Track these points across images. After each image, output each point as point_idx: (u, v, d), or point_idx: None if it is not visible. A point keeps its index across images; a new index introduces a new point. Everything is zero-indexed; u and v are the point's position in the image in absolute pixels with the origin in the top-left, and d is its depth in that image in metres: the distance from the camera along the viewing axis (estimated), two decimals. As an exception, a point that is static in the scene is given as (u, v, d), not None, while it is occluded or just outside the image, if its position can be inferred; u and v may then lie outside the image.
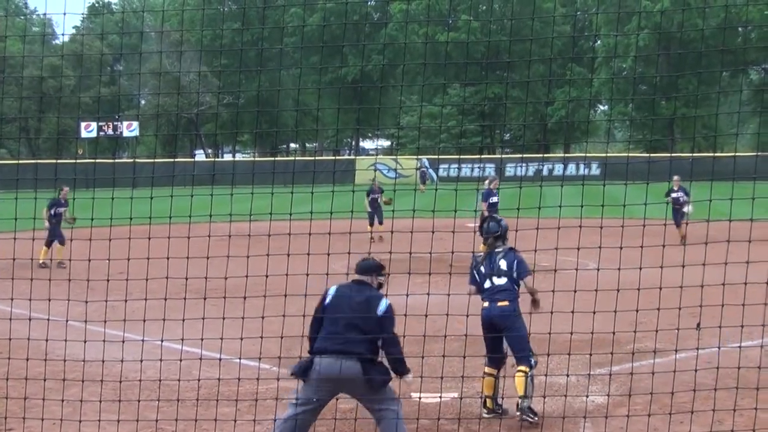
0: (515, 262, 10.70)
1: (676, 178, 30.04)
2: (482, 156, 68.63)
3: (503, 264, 10.69)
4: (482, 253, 10.92)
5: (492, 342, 10.58)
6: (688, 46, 67.36)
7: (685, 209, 28.28)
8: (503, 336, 10.50)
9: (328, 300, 8.73)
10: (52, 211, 25.01)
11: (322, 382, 8.44)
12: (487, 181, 27.95)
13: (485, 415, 10.55)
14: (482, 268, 10.76)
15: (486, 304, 10.58)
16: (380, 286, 8.96)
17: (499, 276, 10.64)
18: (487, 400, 10.63)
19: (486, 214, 24.11)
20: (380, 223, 31.33)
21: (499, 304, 10.50)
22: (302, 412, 8.53)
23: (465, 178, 58.05)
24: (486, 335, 10.57)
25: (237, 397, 10.60)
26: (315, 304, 8.78)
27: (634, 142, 69.72)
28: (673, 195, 29.60)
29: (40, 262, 23.60)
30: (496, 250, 10.83)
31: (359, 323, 8.50)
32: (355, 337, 8.45)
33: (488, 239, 10.93)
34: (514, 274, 10.65)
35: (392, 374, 8.64)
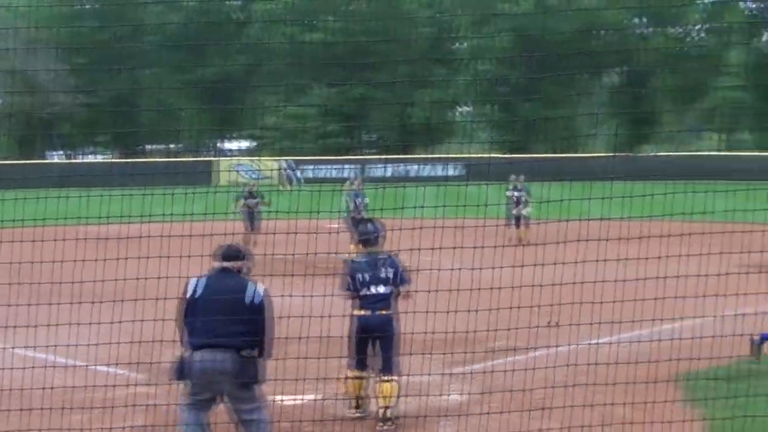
0: (398, 270, 10.52)
1: (513, 177, 29.06)
2: (345, 157, 68.60)
3: (388, 272, 10.46)
4: (360, 258, 10.68)
5: (365, 347, 10.41)
6: (547, 49, 68.61)
7: (524, 211, 27.98)
8: (377, 341, 10.39)
9: (195, 293, 8.42)
10: None
11: (203, 378, 8.24)
12: (349, 182, 27.77)
13: (357, 414, 10.47)
14: (364, 276, 10.41)
15: (364, 312, 10.34)
16: (248, 271, 8.71)
17: (383, 284, 10.41)
18: (358, 400, 10.54)
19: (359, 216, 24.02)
20: (253, 229, 28.83)
21: (380, 312, 10.32)
22: (200, 412, 8.32)
23: (329, 179, 57.97)
24: (359, 340, 10.36)
25: (90, 404, 10.30)
26: (178, 300, 8.53)
27: (496, 143, 70.78)
28: (508, 193, 28.67)
29: None
30: (380, 256, 10.59)
31: (233, 313, 8.25)
32: (231, 329, 8.22)
33: (366, 242, 10.73)
34: (397, 282, 10.49)
35: (266, 375, 8.50)
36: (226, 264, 8.59)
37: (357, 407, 10.57)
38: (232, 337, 8.23)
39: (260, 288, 8.49)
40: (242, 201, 28.88)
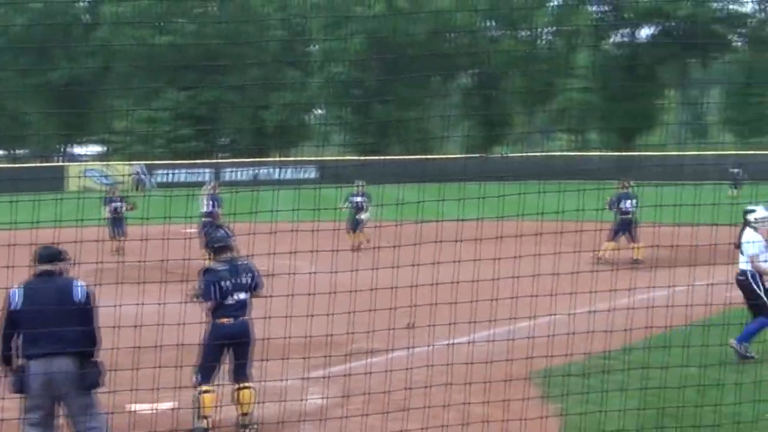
0: (255, 274, 10.42)
1: (358, 182, 28.78)
2: (199, 161, 67.77)
3: (248, 278, 10.34)
4: (220, 266, 10.39)
5: (220, 356, 10.26)
6: (400, 51, 69.24)
7: (363, 216, 27.59)
8: (231, 348, 10.23)
9: (21, 301, 8.16)
10: None
11: (41, 389, 7.98)
12: (205, 186, 27.27)
13: (207, 426, 10.26)
14: (227, 283, 10.23)
15: (226, 320, 10.17)
16: (67, 271, 8.50)
17: (243, 291, 10.29)
18: (209, 419, 10.28)
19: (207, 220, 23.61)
20: (121, 234, 27.35)
21: (242, 319, 10.23)
22: (44, 427, 8.06)
23: (182, 184, 57.15)
24: (216, 349, 10.19)
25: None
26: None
27: (350, 145, 70.99)
28: (353, 199, 28.23)
29: None
30: (239, 262, 10.44)
31: (61, 316, 8.06)
32: (66, 332, 8.02)
33: (223, 249, 10.48)
34: (253, 287, 10.39)
35: (103, 379, 8.28)
36: (47, 267, 8.37)
37: (210, 428, 10.31)
38: (69, 341, 8.02)
39: (82, 285, 8.33)
40: (110, 206, 27.94)
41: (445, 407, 9.67)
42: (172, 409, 10.52)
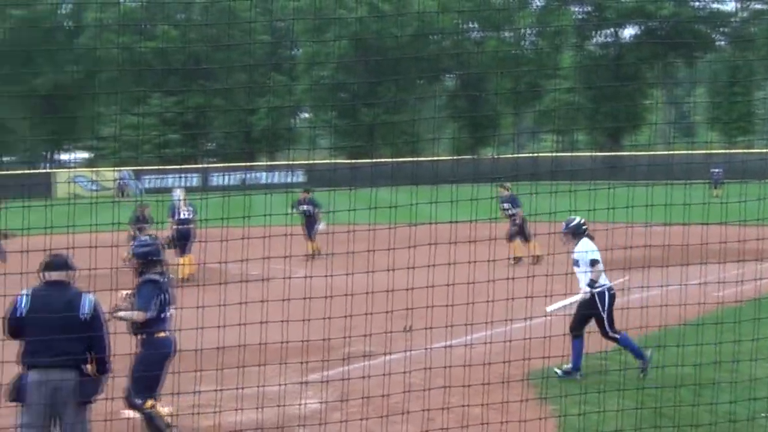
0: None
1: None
2: (185, 166, 67.71)
3: (172, 293, 10.12)
4: (160, 278, 9.98)
5: (164, 374, 9.93)
6: (384, 54, 69.31)
7: (319, 226, 25.60)
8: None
9: (26, 309, 8.10)
10: None
11: (40, 399, 7.94)
12: (179, 192, 26.24)
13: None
14: (166, 296, 9.91)
15: (165, 335, 9.87)
16: (74, 281, 8.40)
17: (172, 305, 10.04)
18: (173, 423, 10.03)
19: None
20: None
21: (173, 333, 9.98)
22: (40, 423, 8.00)
23: (170, 189, 57.08)
24: (160, 366, 9.82)
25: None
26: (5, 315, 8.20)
27: (337, 149, 71.01)
28: (300, 207, 26.38)
29: None
30: (170, 277, 10.20)
31: (68, 327, 8.00)
32: (66, 345, 7.98)
33: (156, 263, 10.03)
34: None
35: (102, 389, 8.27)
36: (55, 275, 8.31)
37: (170, 424, 10.05)
38: (70, 353, 7.98)
39: (91, 299, 8.25)
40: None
41: (443, 410, 9.67)
42: (172, 415, 10.50)
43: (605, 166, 56.64)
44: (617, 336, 12.55)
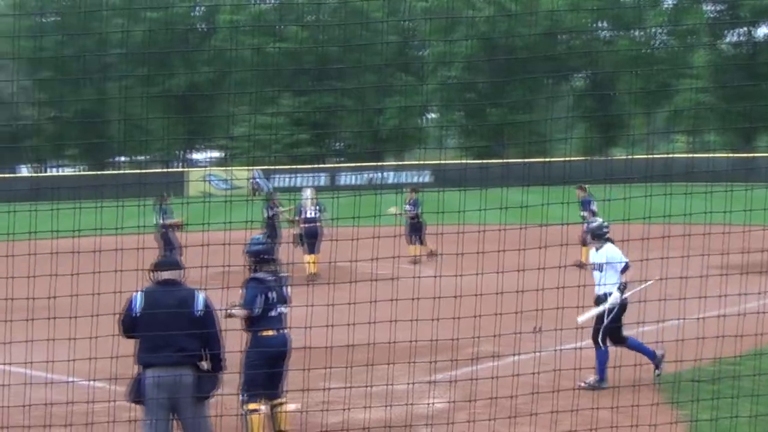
0: (289, 287, 10.25)
1: (408, 190, 27.30)
2: (316, 166, 68.54)
3: (286, 290, 10.18)
4: (267, 276, 10.07)
5: (273, 374, 9.89)
6: (512, 54, 68.90)
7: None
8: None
9: (141, 307, 8.26)
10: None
11: (159, 398, 8.10)
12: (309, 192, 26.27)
13: None
14: (273, 295, 9.96)
15: (272, 333, 9.91)
16: (184, 279, 8.54)
17: (285, 304, 10.10)
18: None
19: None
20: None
21: (284, 332, 10.02)
22: (162, 426, 8.19)
23: (298, 188, 57.88)
24: (263, 366, 9.80)
25: (70, 419, 10.12)
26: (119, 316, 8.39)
27: (465, 149, 70.84)
28: (405, 207, 25.97)
29: None
30: (281, 274, 10.26)
31: (181, 326, 8.12)
32: (182, 342, 8.11)
33: (267, 261, 10.13)
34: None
35: (218, 385, 8.39)
36: (167, 275, 8.45)
37: None
38: (187, 351, 8.10)
39: (203, 296, 8.37)
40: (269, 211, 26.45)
41: (572, 412, 9.57)
42: (300, 412, 10.63)
43: (740, 168, 55.14)
44: (602, 348, 12.25)
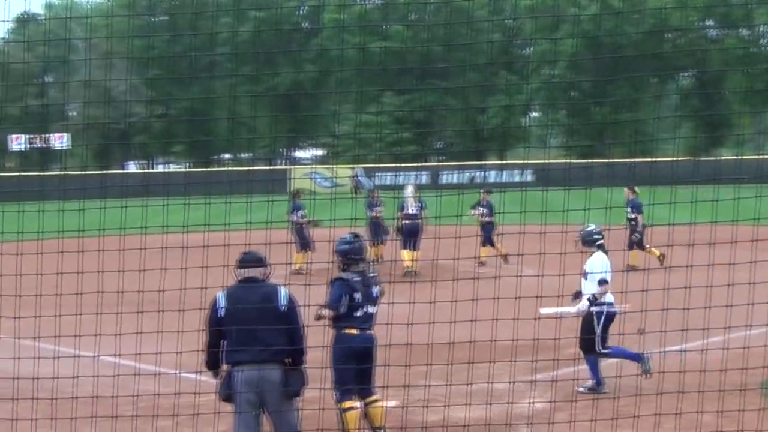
0: (380, 287, 10.21)
1: (483, 190, 26.51)
2: (418, 164, 68.65)
3: (376, 291, 10.10)
4: (353, 276, 9.98)
5: (361, 371, 9.89)
6: (616, 52, 68.06)
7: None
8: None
9: (228, 306, 8.31)
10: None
11: (248, 394, 8.20)
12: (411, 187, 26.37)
13: None
14: (358, 295, 9.89)
15: (355, 331, 9.85)
16: (268, 276, 8.54)
17: (373, 304, 10.03)
18: None
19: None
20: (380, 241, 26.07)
21: (369, 332, 9.97)
22: (253, 421, 8.30)
23: (399, 187, 58.03)
24: (352, 365, 9.79)
25: (176, 410, 10.34)
26: (206, 316, 8.46)
27: (568, 148, 70.25)
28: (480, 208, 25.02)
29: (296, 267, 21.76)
30: (371, 274, 10.19)
31: (266, 323, 8.16)
32: (268, 339, 8.16)
33: (355, 261, 10.05)
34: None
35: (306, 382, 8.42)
36: (251, 272, 8.46)
37: None
38: (274, 348, 8.15)
39: (286, 291, 8.39)
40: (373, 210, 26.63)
41: (675, 415, 9.44)
42: (401, 407, 10.67)
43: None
44: (609, 351, 11.95)
